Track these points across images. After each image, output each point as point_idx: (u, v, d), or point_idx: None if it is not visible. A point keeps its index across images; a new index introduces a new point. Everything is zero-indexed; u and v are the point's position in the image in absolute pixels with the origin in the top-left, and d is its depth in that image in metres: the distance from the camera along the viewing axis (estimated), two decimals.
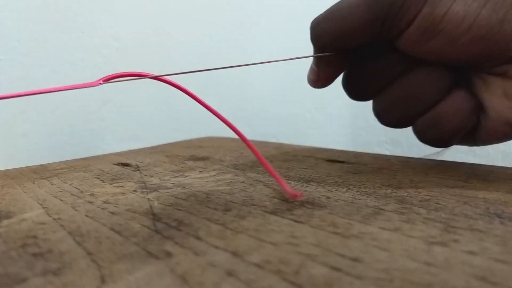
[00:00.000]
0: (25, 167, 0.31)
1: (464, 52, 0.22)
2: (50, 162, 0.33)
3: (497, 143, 0.25)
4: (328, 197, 0.21)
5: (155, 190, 0.23)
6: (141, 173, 0.28)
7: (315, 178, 0.25)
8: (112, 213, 0.19)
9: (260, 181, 0.25)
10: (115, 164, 0.31)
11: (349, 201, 0.20)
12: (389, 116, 0.26)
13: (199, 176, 0.27)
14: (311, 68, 0.27)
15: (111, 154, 0.38)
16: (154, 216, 0.18)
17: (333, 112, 0.61)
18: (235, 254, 0.14)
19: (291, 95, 0.63)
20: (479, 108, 0.24)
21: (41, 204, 0.21)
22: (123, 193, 0.22)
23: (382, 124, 0.27)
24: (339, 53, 0.25)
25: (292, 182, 0.24)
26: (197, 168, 0.30)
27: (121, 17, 0.54)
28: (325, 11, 0.24)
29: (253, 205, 0.20)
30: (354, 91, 0.27)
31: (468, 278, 0.12)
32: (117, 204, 0.20)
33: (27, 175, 0.28)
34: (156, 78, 0.22)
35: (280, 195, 0.21)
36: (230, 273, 0.13)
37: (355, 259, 0.13)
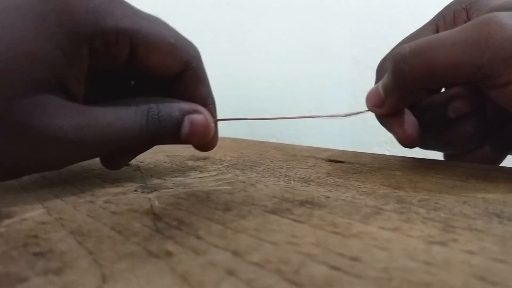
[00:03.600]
0: None
1: None
2: None
3: None
4: (328, 197, 0.21)
5: (155, 190, 0.23)
6: (141, 173, 0.28)
7: (315, 178, 0.25)
8: (113, 212, 0.19)
9: (260, 181, 0.25)
10: None
11: (349, 201, 0.20)
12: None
13: (200, 176, 0.27)
14: (376, 93, 0.26)
15: None
16: (155, 215, 0.18)
17: (333, 112, 0.60)
18: (235, 253, 0.14)
19: (291, 95, 0.63)
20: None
21: (42, 204, 0.21)
22: (124, 192, 0.23)
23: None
24: (423, 93, 0.25)
25: (292, 182, 0.24)
26: (197, 168, 0.30)
27: None
28: (410, 45, 0.21)
29: (253, 204, 0.20)
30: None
31: (467, 277, 0.12)
32: (118, 204, 0.20)
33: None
34: None
35: (280, 194, 0.21)
36: (230, 273, 0.13)
37: (354, 259, 0.13)
